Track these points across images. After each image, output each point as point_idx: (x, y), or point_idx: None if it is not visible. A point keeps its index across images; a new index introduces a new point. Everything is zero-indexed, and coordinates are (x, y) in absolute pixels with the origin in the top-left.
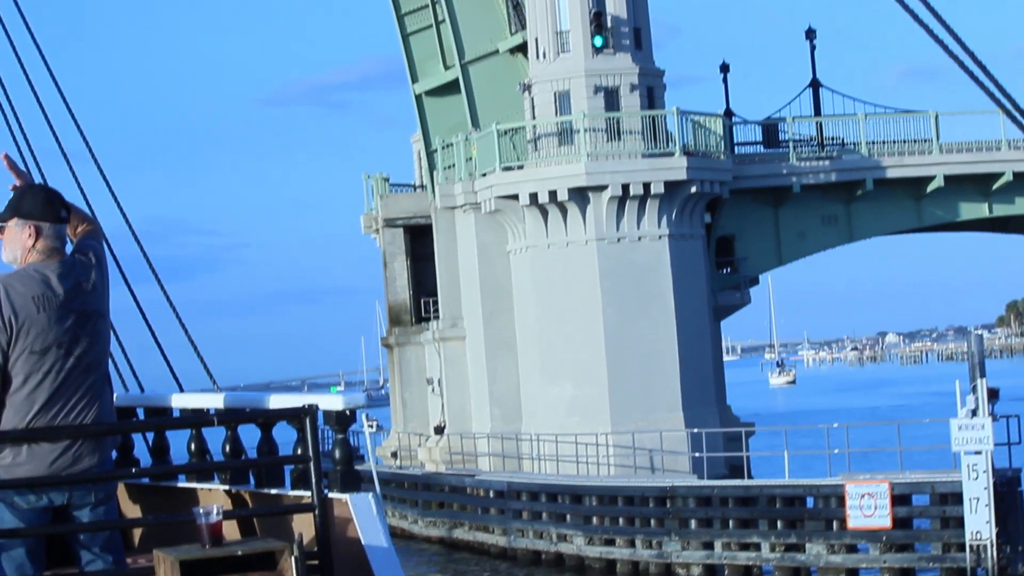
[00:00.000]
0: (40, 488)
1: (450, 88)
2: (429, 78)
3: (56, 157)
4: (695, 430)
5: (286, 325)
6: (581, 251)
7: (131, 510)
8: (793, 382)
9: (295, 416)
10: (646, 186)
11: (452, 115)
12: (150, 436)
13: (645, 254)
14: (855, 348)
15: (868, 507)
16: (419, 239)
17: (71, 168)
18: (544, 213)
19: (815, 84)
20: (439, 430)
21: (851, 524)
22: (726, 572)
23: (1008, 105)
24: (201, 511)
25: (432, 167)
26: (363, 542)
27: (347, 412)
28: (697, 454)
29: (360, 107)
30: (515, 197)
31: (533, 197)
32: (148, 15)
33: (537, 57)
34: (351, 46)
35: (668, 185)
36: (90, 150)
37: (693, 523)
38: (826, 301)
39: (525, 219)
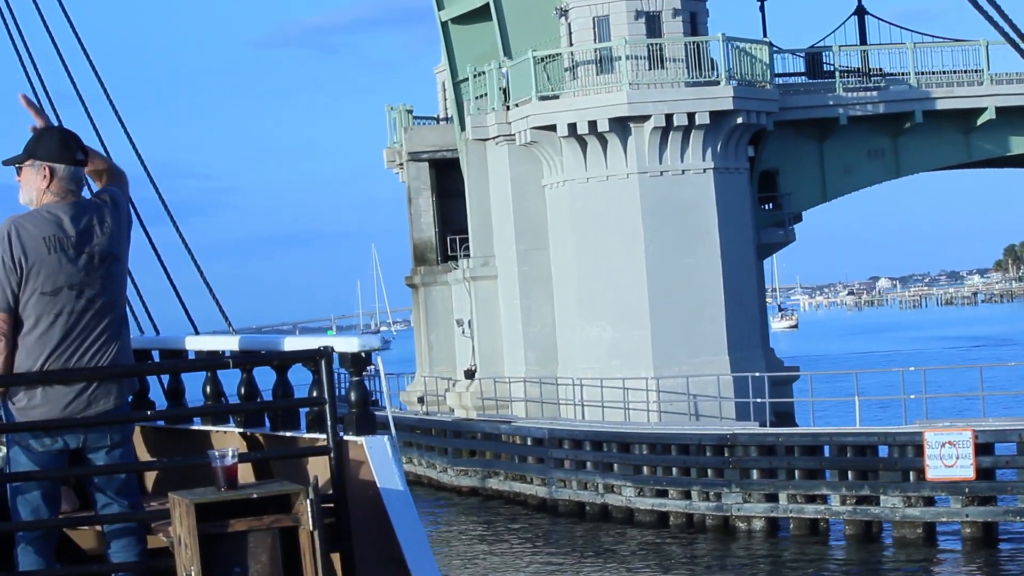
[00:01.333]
0: (55, 431)
1: (477, 15)
2: (455, 4)
3: (69, 99)
4: (744, 374)
5: (278, 269)
6: (622, 185)
7: (146, 453)
8: (796, 326)
9: (310, 358)
10: (690, 116)
11: (479, 44)
12: (165, 379)
13: (689, 188)
14: (851, 293)
15: (949, 457)
16: (444, 174)
17: (86, 108)
18: (583, 145)
19: (860, 12)
20: (469, 374)
21: (930, 475)
22: (791, 526)
23: None
24: (216, 454)
25: (459, 98)
26: (378, 485)
27: (363, 354)
28: (755, 400)
29: (351, 50)
30: (552, 128)
31: (571, 128)
32: None
33: None
34: None
35: (713, 115)
36: (105, 91)
37: (755, 473)
38: (816, 246)
39: (562, 151)
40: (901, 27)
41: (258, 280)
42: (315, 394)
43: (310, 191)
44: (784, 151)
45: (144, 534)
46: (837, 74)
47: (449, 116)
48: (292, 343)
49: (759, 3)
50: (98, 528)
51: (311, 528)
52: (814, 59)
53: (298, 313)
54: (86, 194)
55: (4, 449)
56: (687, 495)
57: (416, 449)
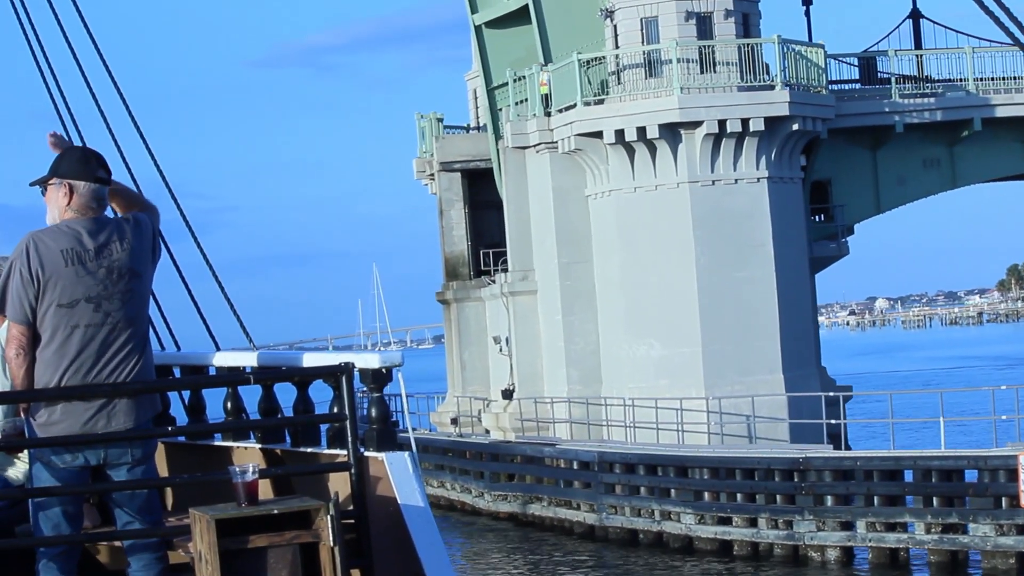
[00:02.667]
0: (75, 447)
1: (513, 18)
2: (490, 7)
3: (90, 118)
4: (800, 394)
5: (274, 289)
6: (672, 195)
7: (167, 469)
8: None
9: (331, 374)
10: (744, 122)
11: (513, 48)
12: (186, 395)
13: (742, 198)
14: (852, 313)
15: None
16: (476, 185)
17: (108, 126)
18: (630, 153)
19: (915, 15)
20: (507, 394)
21: None
22: (869, 556)
23: None
24: (237, 469)
25: (493, 105)
26: (399, 501)
27: (383, 370)
28: (813, 420)
29: (351, 69)
30: (598, 135)
31: (619, 135)
32: None
33: None
34: (341, 7)
35: (768, 122)
36: (128, 110)
37: (829, 499)
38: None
39: (608, 159)
40: (958, 31)
41: (253, 300)
42: (336, 410)
43: (308, 210)
44: (836, 160)
45: (165, 551)
46: (893, 80)
47: (481, 124)
48: (313, 359)
49: (805, 7)
50: (118, 544)
51: (331, 544)
52: (868, 64)
53: (294, 333)
54: (109, 213)
55: (20, 464)
56: (753, 522)
57: (449, 472)
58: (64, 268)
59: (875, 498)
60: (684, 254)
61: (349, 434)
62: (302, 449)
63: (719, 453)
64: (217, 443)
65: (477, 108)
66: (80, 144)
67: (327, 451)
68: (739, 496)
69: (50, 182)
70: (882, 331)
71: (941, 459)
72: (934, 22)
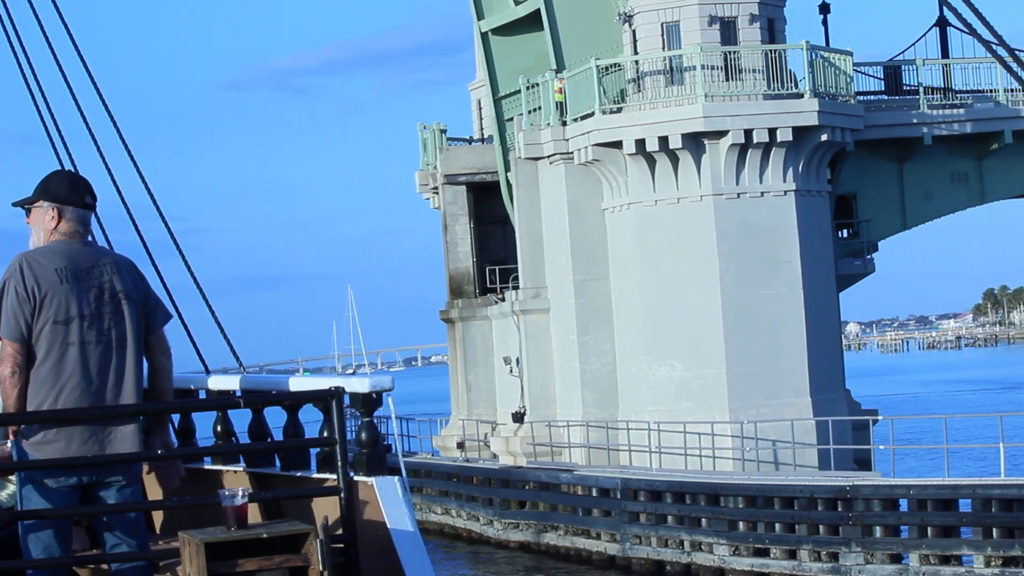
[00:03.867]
0: (68, 468)
1: (521, 25)
2: (497, 13)
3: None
4: (826, 418)
5: (244, 310)
6: (695, 208)
7: (156, 492)
8: None
9: (321, 399)
10: (771, 132)
11: (522, 56)
12: (176, 418)
13: (768, 212)
14: None
15: None
16: (481, 199)
17: (99, 149)
18: (651, 163)
19: (942, 23)
20: (518, 417)
21: None
22: None
23: None
24: (227, 493)
25: (500, 115)
26: (388, 526)
27: (373, 395)
28: (837, 446)
29: (322, 92)
30: (616, 145)
31: (639, 144)
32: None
33: None
34: (312, 30)
35: (796, 131)
36: (119, 134)
37: (878, 530)
38: None
39: (627, 171)
40: (987, 40)
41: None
42: (325, 434)
43: (280, 232)
44: (861, 174)
45: (152, 574)
46: (921, 90)
47: (486, 136)
48: (302, 383)
49: (822, 15)
50: (105, 567)
51: (321, 568)
52: (894, 74)
53: (264, 355)
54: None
55: (11, 487)
56: (792, 554)
57: (455, 499)
58: (59, 285)
59: (928, 529)
60: (708, 270)
61: (339, 458)
62: (292, 473)
63: (755, 480)
64: (207, 467)
65: (481, 119)
66: (66, 167)
67: (317, 475)
68: (777, 526)
69: (36, 204)
70: (859, 355)
71: (1003, 487)
72: (962, 30)
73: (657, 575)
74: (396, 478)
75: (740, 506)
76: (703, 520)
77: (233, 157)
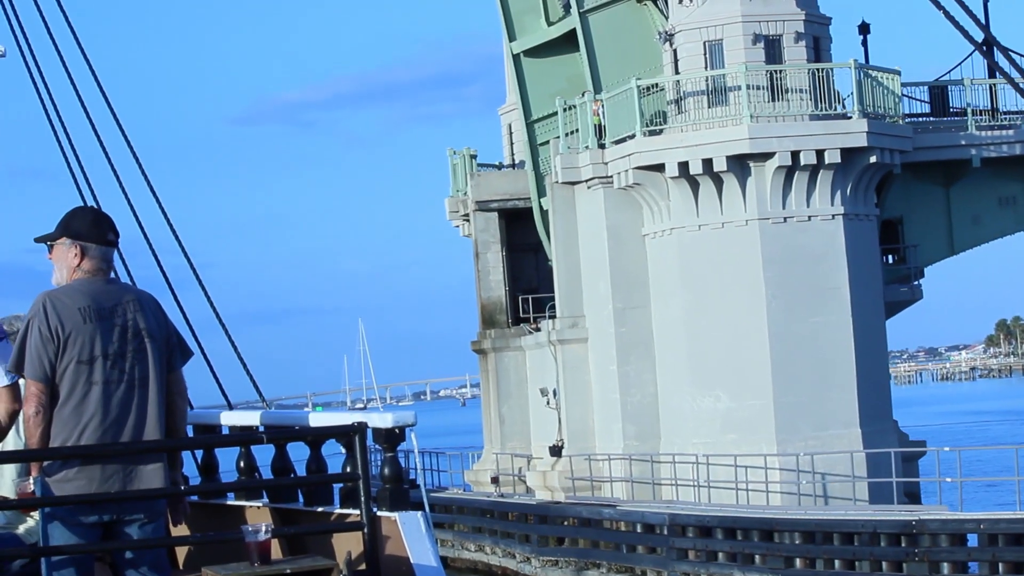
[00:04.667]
0: (92, 505)
1: (554, 47)
2: (530, 35)
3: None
4: (877, 451)
5: (253, 345)
6: (740, 233)
7: (179, 528)
8: None
9: (344, 434)
10: (819, 154)
11: (554, 79)
12: (199, 454)
13: (816, 237)
14: None
15: None
16: (513, 226)
17: (123, 188)
18: (694, 187)
19: (988, 43)
20: (556, 450)
21: None
22: None
23: None
24: (250, 529)
25: (532, 139)
26: (412, 561)
27: (396, 430)
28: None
29: (331, 126)
30: (659, 168)
31: (683, 167)
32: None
33: (680, 0)
34: (320, 64)
35: (844, 153)
36: (141, 169)
37: (946, 567)
38: None
39: (669, 195)
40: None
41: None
42: (349, 469)
43: (288, 266)
44: (907, 198)
45: None
46: (970, 111)
47: (517, 161)
48: (325, 419)
49: (862, 36)
50: None
51: None
52: (941, 94)
53: (275, 390)
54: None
55: (30, 522)
56: None
57: (490, 535)
58: (83, 324)
59: (1000, 564)
60: (754, 297)
61: (362, 494)
62: (315, 508)
63: (813, 515)
64: (230, 502)
65: (512, 144)
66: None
67: (340, 510)
68: (837, 563)
69: (58, 241)
70: None
71: None
72: (1010, 51)
73: None
74: (419, 513)
75: (797, 542)
76: (756, 556)
77: (242, 191)
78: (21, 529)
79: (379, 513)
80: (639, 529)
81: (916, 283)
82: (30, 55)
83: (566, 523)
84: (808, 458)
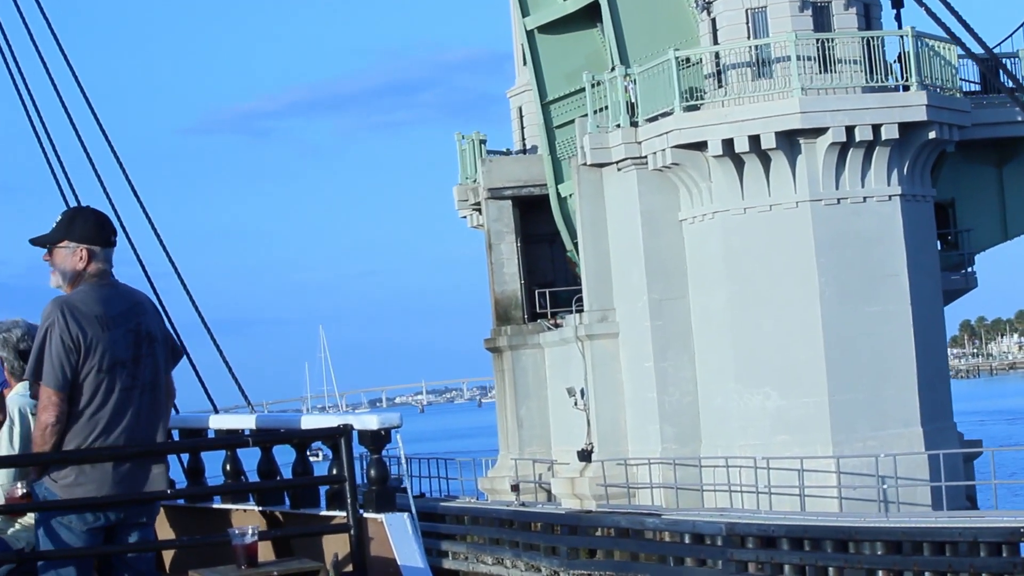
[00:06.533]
0: (99, 508)
1: (571, 21)
2: (545, 8)
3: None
4: (937, 452)
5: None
6: (790, 216)
7: (166, 531)
8: None
9: (330, 436)
10: (876, 129)
11: (571, 56)
12: (185, 458)
13: (872, 219)
14: None
15: None
16: (527, 215)
17: (107, 195)
18: (739, 167)
19: None
20: (585, 455)
21: None
22: None
23: None
24: (236, 532)
25: (548, 122)
26: (399, 562)
27: (382, 432)
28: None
29: (284, 135)
30: (700, 146)
31: (727, 145)
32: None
33: None
34: (273, 74)
35: (902, 128)
36: (126, 175)
37: None
38: None
39: (711, 176)
40: None
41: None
42: (335, 472)
43: (245, 277)
44: (957, 179)
45: None
46: None
47: (528, 146)
48: (311, 421)
49: (895, 10)
50: None
51: None
52: (994, 67)
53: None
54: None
55: (17, 526)
56: None
57: (510, 548)
58: (102, 333)
59: None
60: (806, 286)
61: (348, 496)
62: (301, 511)
63: (897, 523)
64: (216, 505)
65: (523, 127)
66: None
67: (326, 512)
68: (927, 574)
69: (60, 244)
70: None
71: None
72: None
73: None
74: (406, 515)
75: (879, 552)
76: (831, 569)
77: (196, 201)
78: (10, 533)
79: (365, 515)
80: (687, 540)
81: (971, 270)
82: (14, 63)
83: (600, 534)
84: (869, 460)
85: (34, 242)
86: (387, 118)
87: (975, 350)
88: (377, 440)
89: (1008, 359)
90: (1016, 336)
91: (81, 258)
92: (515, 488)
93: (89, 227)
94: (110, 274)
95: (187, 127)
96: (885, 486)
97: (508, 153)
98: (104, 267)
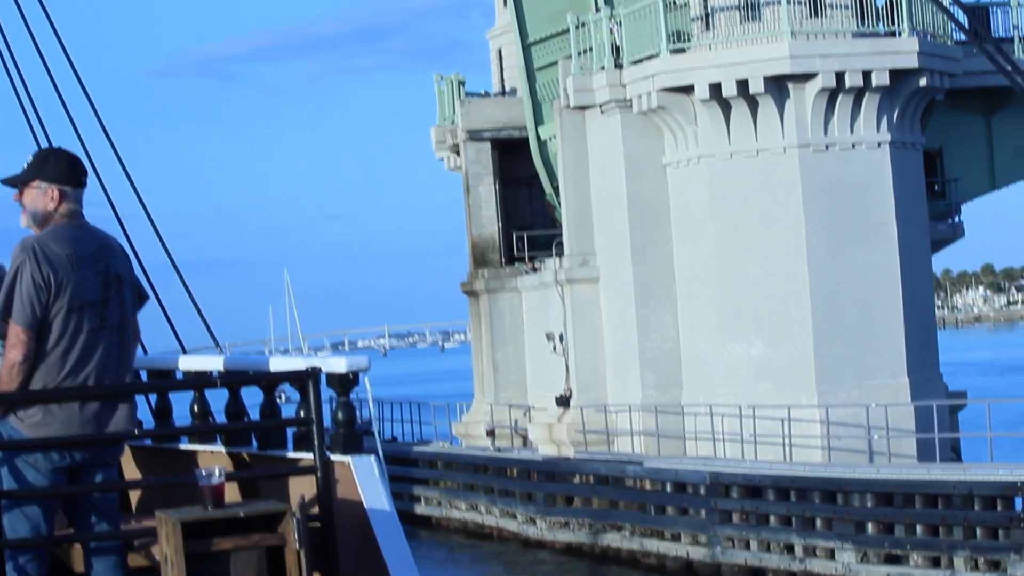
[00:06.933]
0: (65, 448)
1: None
2: None
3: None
4: (927, 403)
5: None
6: (777, 162)
7: (133, 472)
8: None
9: (298, 379)
10: (866, 75)
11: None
12: (153, 398)
13: (860, 167)
14: None
15: None
16: (506, 158)
17: (80, 137)
18: (726, 111)
19: None
20: (563, 401)
21: None
22: None
23: None
24: (203, 473)
25: (529, 64)
26: (365, 504)
27: (350, 375)
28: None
29: (251, 79)
30: (686, 90)
31: (714, 89)
32: None
33: None
34: (240, 17)
35: (893, 75)
36: (96, 112)
37: None
38: None
39: (697, 120)
40: None
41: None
42: (302, 414)
43: (213, 218)
44: (945, 128)
45: (127, 554)
46: (1016, 34)
47: (508, 88)
48: (280, 363)
49: None
50: (78, 546)
51: (297, 547)
52: (983, 17)
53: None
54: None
55: None
56: (935, 562)
57: (485, 494)
58: (72, 273)
59: None
60: (792, 233)
61: (316, 438)
62: (268, 453)
63: (889, 475)
64: (183, 446)
65: (502, 70)
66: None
67: (293, 455)
68: (919, 528)
69: (32, 184)
70: None
71: None
72: None
73: None
74: (372, 457)
75: (869, 504)
76: (818, 520)
77: (163, 144)
78: None
79: (332, 457)
80: (669, 488)
81: (958, 220)
82: None
83: (582, 481)
84: (854, 410)
85: (4, 182)
86: (354, 63)
87: (940, 303)
88: (345, 383)
89: (973, 312)
90: (982, 289)
91: (52, 198)
92: (491, 433)
93: (61, 168)
94: (80, 215)
95: (155, 69)
96: (876, 437)
97: (486, 95)
98: (75, 208)
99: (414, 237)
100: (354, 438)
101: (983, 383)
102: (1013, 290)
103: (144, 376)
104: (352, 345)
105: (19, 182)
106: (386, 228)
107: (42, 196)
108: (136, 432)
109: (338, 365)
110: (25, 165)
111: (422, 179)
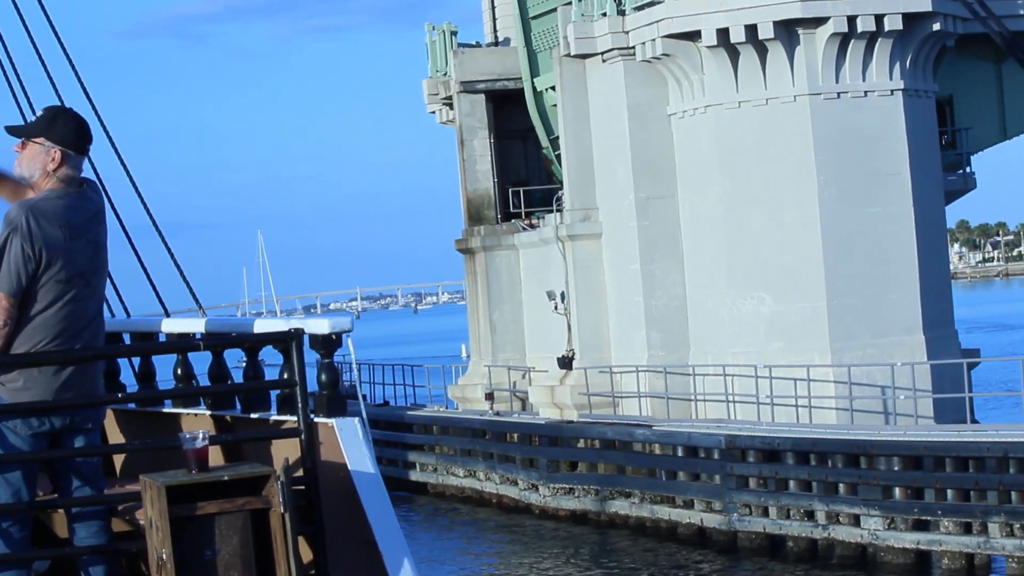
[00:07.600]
0: (43, 413)
1: None
2: None
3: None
4: (944, 361)
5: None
6: (787, 110)
7: (116, 436)
8: None
9: (281, 340)
10: (879, 20)
11: None
12: (136, 361)
13: (873, 115)
14: None
15: None
16: (501, 110)
17: (59, 95)
18: (734, 58)
19: None
20: (565, 362)
21: None
22: None
23: None
24: (187, 436)
25: (524, 12)
26: (349, 467)
27: (333, 336)
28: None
29: (220, 39)
30: (692, 36)
31: (722, 35)
32: None
33: None
34: None
35: (906, 19)
36: (78, 77)
37: None
38: None
39: (703, 67)
40: None
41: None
42: (286, 376)
43: (180, 180)
44: (955, 75)
45: (110, 518)
46: None
47: (501, 38)
48: (263, 325)
49: None
50: (61, 511)
51: (282, 510)
52: None
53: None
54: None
55: None
56: (967, 528)
57: (484, 459)
58: (64, 244)
59: None
60: (803, 184)
61: (299, 400)
62: (252, 415)
63: (917, 436)
64: (167, 410)
65: (495, 19)
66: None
67: (277, 417)
68: (950, 493)
69: (36, 139)
70: None
71: None
72: None
73: (774, 552)
74: (356, 419)
75: (896, 468)
76: (841, 486)
77: (133, 106)
78: None
79: (316, 419)
80: (681, 453)
81: (969, 170)
82: None
83: (584, 445)
84: (869, 370)
85: (9, 130)
86: (323, 22)
87: None
88: (328, 344)
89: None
90: (957, 246)
91: (53, 159)
92: (489, 396)
93: (69, 130)
94: (78, 181)
95: (122, 30)
96: (903, 396)
97: (478, 46)
98: (73, 173)
99: (392, 196)
100: (338, 400)
101: (976, 340)
102: (988, 247)
103: (127, 339)
104: (324, 307)
105: (24, 134)
106: (363, 188)
107: (44, 154)
108: (119, 396)
109: (321, 326)
110: (34, 118)
111: (400, 138)
